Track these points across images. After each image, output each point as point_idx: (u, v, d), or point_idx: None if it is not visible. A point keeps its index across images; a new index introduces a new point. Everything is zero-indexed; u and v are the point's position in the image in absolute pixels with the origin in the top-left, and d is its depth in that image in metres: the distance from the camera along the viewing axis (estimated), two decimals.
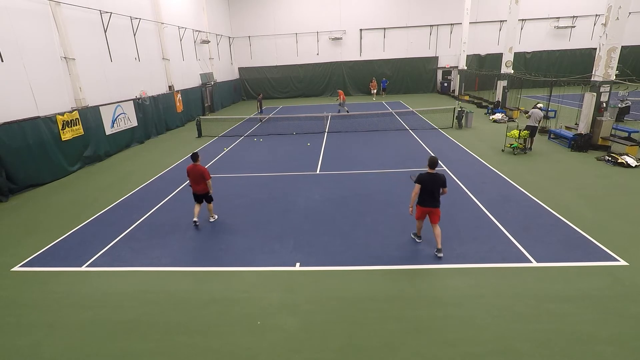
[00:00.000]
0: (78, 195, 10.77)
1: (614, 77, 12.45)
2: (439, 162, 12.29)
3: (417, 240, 6.95)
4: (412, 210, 6.53)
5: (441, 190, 6.28)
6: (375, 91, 31.40)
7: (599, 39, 12.44)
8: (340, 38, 33.31)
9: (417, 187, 6.32)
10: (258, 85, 34.98)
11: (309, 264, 6.49)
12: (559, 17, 31.57)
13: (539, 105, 13.14)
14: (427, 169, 6.36)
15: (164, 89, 21.18)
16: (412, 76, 33.74)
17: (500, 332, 4.67)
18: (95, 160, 14.37)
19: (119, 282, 6.25)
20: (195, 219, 8.02)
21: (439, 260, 6.31)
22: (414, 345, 4.54)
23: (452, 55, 32.80)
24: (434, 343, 4.57)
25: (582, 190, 9.23)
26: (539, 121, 13.03)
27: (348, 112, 22.75)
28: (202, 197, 8.07)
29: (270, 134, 18.20)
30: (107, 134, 15.21)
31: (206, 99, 26.90)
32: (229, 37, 33.47)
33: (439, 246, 6.41)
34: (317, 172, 11.82)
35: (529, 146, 13.10)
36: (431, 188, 6.21)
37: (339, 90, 24.77)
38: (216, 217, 8.50)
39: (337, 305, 5.35)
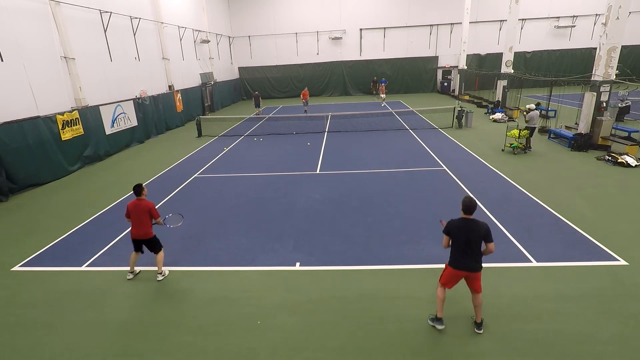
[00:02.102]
0: (78, 195, 10.77)
1: (614, 76, 12.45)
2: (438, 159, 12.48)
3: (438, 328, 4.72)
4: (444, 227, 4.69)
5: (483, 245, 4.49)
6: (384, 95, 26.23)
7: (599, 38, 12.44)
8: (340, 38, 33.30)
9: (446, 239, 4.59)
10: (258, 85, 34.99)
11: (309, 263, 6.49)
12: (559, 17, 31.57)
13: (532, 106, 13.17)
14: (461, 214, 4.53)
15: (164, 89, 21.18)
16: (412, 76, 33.74)
17: (500, 332, 4.67)
18: (95, 160, 14.37)
19: (119, 281, 6.24)
20: (130, 272, 6.27)
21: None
22: (414, 345, 4.54)
23: (452, 54, 32.79)
24: (435, 343, 4.56)
25: (582, 190, 9.23)
26: (537, 121, 13.02)
27: (306, 112, 23.53)
28: (144, 244, 6.13)
29: (270, 134, 18.20)
30: (107, 133, 15.21)
31: (206, 99, 26.90)
32: (229, 37, 33.46)
33: (479, 319, 4.69)
34: (317, 171, 11.82)
35: (529, 146, 13.10)
36: (466, 241, 4.42)
37: (302, 91, 24.38)
38: (167, 273, 6.33)
39: (337, 305, 5.35)
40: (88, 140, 14.02)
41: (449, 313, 4.97)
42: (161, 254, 6.26)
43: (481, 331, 4.66)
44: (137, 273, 6.43)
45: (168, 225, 6.45)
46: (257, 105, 24.40)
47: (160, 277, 6.22)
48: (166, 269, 6.40)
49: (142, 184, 6.11)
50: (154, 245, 6.21)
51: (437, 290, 4.76)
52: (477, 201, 4.48)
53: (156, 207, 9.18)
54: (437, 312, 4.75)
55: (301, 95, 24.38)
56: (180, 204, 9.62)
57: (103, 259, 7.01)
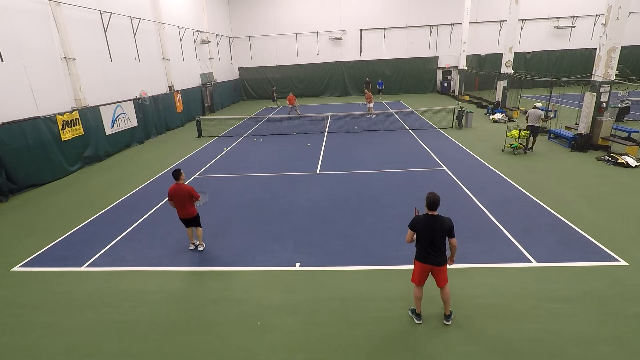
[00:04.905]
0: (78, 195, 10.77)
1: (614, 77, 12.45)
2: (438, 159, 12.47)
3: (417, 322, 4.89)
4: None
5: (447, 241, 4.62)
6: (371, 105, 21.52)
7: (599, 39, 12.44)
8: (340, 38, 33.30)
9: (410, 233, 4.68)
10: (258, 85, 35.05)
11: (309, 264, 6.49)
12: (559, 17, 31.57)
13: (537, 104, 13.15)
14: (425, 210, 4.62)
15: (164, 89, 21.18)
16: (412, 76, 33.73)
17: (499, 332, 4.67)
18: (95, 160, 14.37)
19: (119, 282, 6.25)
20: (192, 244, 7.19)
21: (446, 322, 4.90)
22: (413, 345, 4.54)
23: (452, 55, 32.78)
24: (434, 343, 4.57)
25: (582, 190, 9.23)
26: (538, 121, 12.98)
27: (296, 115, 21.80)
28: (191, 221, 6.91)
29: (270, 134, 18.20)
30: (107, 134, 15.21)
31: (206, 99, 26.91)
32: (229, 37, 33.47)
33: (447, 312, 4.86)
34: (317, 172, 11.82)
35: (530, 146, 13.10)
36: (430, 237, 4.53)
37: (290, 96, 22.84)
38: (204, 245, 7.25)
39: (337, 305, 5.35)
40: (88, 140, 14.02)
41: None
42: (200, 229, 7.08)
43: (449, 322, 4.83)
44: (198, 244, 7.16)
45: (200, 204, 7.05)
46: (274, 99, 28.86)
47: (201, 248, 7.09)
48: (204, 243, 7.26)
49: (180, 169, 6.61)
50: (197, 222, 6.96)
51: (414, 290, 4.88)
52: (440, 197, 4.59)
53: (155, 208, 9.29)
54: (415, 306, 4.94)
55: (287, 101, 22.71)
56: None
57: (103, 260, 7.01)
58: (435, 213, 4.56)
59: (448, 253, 4.78)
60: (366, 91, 22.72)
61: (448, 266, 4.76)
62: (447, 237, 4.59)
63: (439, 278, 4.71)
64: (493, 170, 11.14)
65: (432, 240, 4.54)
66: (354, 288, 5.73)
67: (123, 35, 17.22)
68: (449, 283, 4.81)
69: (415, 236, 4.67)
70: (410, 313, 5.06)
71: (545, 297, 5.27)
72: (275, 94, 29.29)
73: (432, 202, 4.51)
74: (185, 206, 6.66)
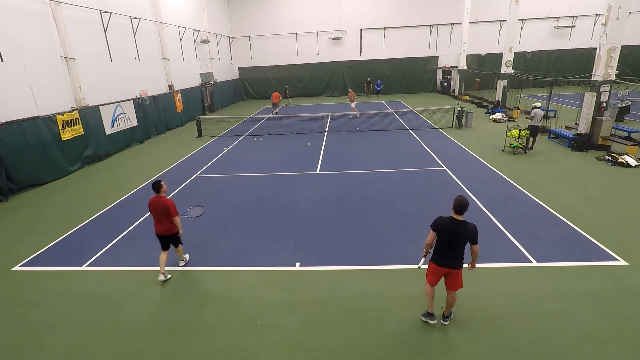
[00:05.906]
0: (78, 195, 10.77)
1: (614, 76, 12.45)
2: (438, 159, 12.48)
3: (430, 322, 4.81)
4: (424, 261, 4.83)
5: (469, 246, 4.48)
6: (353, 104, 21.71)
7: (599, 38, 12.44)
8: (340, 38, 33.30)
9: (432, 234, 4.57)
10: (258, 85, 35.03)
11: (309, 263, 6.49)
12: (559, 17, 31.58)
13: (538, 104, 13.14)
14: (451, 213, 4.46)
15: (164, 89, 21.18)
16: (412, 76, 33.73)
17: (500, 332, 4.67)
18: (95, 160, 14.36)
19: (119, 281, 6.25)
20: (162, 274, 6.07)
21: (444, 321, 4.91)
22: (413, 345, 4.54)
23: (452, 55, 32.78)
24: (434, 343, 4.57)
25: (582, 190, 9.23)
26: (540, 121, 13.00)
27: (275, 114, 23.36)
28: (168, 240, 6.18)
29: (270, 134, 18.20)
30: (107, 133, 15.20)
31: (206, 99, 26.90)
32: (229, 37, 33.47)
33: (447, 313, 4.84)
34: (317, 172, 11.82)
35: (530, 146, 13.09)
36: (450, 241, 4.42)
37: (274, 93, 24.50)
38: (187, 258, 6.72)
39: (337, 305, 5.35)
40: (88, 140, 14.01)
41: (448, 323, 4.95)
42: (180, 247, 6.48)
43: (447, 323, 4.83)
44: (169, 278, 6.18)
45: (190, 217, 6.75)
46: (286, 97, 30.04)
47: (182, 263, 6.61)
48: (187, 255, 6.80)
49: (160, 181, 6.02)
50: (175, 241, 6.29)
51: (425, 287, 4.84)
52: (469, 202, 4.44)
53: None
54: (427, 307, 4.85)
55: (272, 97, 24.43)
56: (180, 204, 9.58)
57: (103, 259, 7.01)
58: (461, 218, 4.40)
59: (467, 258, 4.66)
60: (349, 90, 23.28)
61: (468, 270, 4.72)
62: (468, 243, 4.46)
63: (453, 281, 4.61)
64: (493, 170, 11.14)
65: (451, 244, 4.42)
66: (354, 288, 5.73)
67: (123, 35, 17.21)
68: (460, 290, 4.72)
69: (433, 238, 4.58)
70: (422, 318, 4.87)
71: (546, 296, 5.27)
72: (287, 92, 30.09)
73: (460, 206, 4.33)
74: (162, 221, 5.97)
